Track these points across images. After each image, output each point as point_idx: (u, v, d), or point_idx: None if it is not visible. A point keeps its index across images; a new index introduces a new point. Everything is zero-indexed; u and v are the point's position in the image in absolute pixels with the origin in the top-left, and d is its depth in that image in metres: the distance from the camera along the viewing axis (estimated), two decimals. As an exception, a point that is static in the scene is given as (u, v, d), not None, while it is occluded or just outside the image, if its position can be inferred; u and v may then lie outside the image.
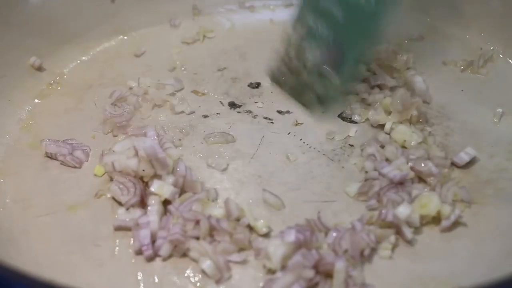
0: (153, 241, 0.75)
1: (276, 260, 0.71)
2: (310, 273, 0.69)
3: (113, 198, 0.81)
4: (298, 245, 0.72)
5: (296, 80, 0.95)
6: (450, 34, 1.09)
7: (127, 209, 0.79)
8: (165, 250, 0.74)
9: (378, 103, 0.94)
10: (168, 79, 1.01)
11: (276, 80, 0.99)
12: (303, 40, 0.92)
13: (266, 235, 0.77)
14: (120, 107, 0.95)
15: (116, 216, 0.79)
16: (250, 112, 0.97)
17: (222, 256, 0.73)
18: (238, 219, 0.77)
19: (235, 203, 0.78)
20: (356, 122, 0.94)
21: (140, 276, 0.73)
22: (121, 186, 0.80)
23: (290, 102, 0.97)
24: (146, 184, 0.80)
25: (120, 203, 0.80)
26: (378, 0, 0.86)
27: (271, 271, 0.72)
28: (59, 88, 1.03)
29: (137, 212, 0.78)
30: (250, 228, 0.77)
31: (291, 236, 0.72)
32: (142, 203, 0.79)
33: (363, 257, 0.73)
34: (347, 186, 0.83)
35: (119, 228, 0.78)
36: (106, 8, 1.12)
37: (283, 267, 0.71)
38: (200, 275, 0.73)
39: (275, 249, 0.71)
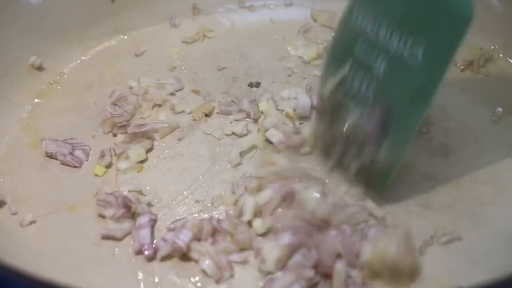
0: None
1: (271, 262, 0.71)
2: (310, 273, 0.69)
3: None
4: (293, 248, 0.72)
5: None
6: (450, 34, 1.09)
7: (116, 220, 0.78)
8: (165, 250, 0.74)
9: (378, 103, 0.94)
10: (168, 78, 1.01)
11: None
12: (338, 94, 0.78)
13: (266, 235, 0.77)
14: (120, 106, 0.95)
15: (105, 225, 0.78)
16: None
17: (224, 256, 0.73)
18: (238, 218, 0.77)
19: (236, 202, 0.78)
20: (356, 122, 0.93)
21: (140, 276, 0.73)
22: (103, 202, 0.79)
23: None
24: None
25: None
26: (427, 54, 0.69)
27: (270, 272, 0.72)
28: (59, 88, 1.03)
29: (126, 223, 0.78)
30: (251, 226, 0.77)
31: (286, 239, 0.72)
32: (129, 213, 0.78)
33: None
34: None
35: (106, 237, 0.77)
36: (106, 8, 1.12)
37: (283, 267, 0.71)
38: (200, 275, 0.73)
39: (270, 251, 0.71)
